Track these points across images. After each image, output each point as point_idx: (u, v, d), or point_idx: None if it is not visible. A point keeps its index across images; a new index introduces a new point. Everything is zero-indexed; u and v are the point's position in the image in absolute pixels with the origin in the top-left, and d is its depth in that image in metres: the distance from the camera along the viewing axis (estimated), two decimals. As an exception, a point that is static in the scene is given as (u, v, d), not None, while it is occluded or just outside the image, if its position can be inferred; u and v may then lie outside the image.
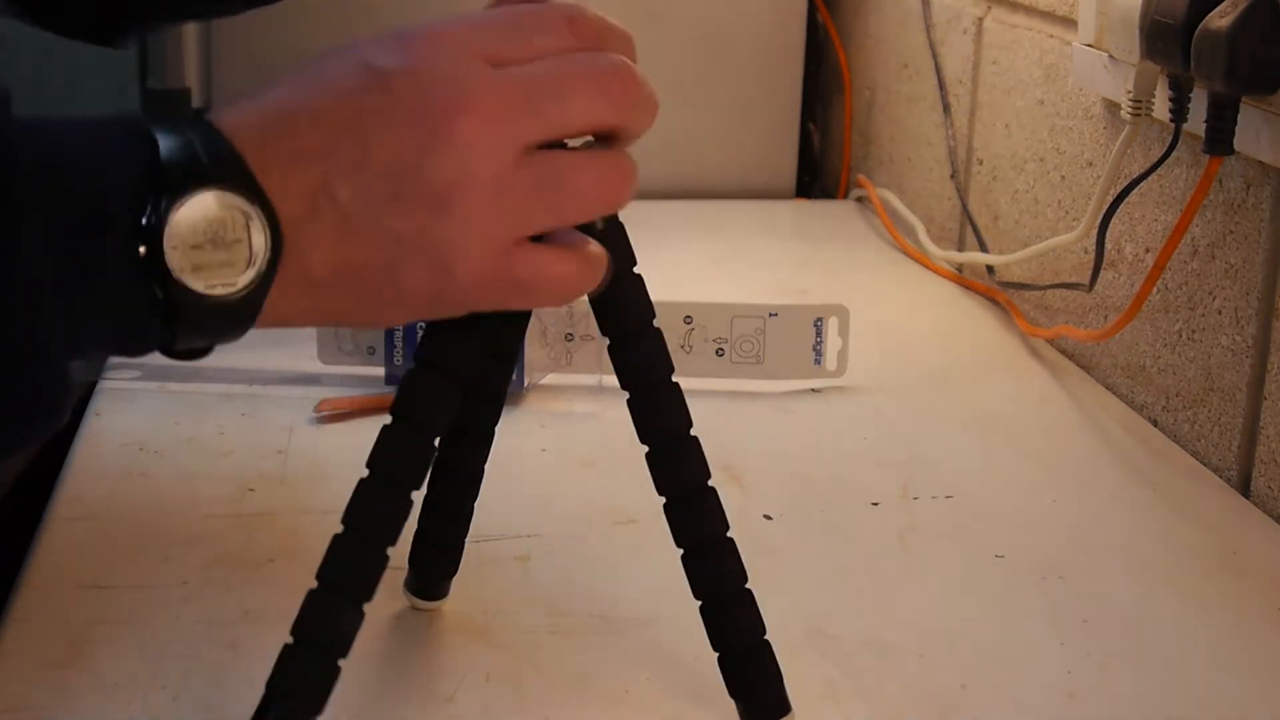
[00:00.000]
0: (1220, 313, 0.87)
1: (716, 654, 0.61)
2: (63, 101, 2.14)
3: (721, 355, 0.96)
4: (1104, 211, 0.94)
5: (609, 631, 0.68)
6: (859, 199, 1.44)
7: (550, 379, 0.95)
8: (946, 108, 1.27)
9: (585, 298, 0.59)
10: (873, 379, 0.99)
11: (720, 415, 0.93)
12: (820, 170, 1.57)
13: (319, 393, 0.92)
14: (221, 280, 0.50)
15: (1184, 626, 0.71)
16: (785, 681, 0.61)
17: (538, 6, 0.56)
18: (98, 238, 0.49)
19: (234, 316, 0.51)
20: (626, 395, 0.60)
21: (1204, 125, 0.81)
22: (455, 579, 0.69)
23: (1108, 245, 0.96)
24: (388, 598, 0.70)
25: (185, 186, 0.49)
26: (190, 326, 0.50)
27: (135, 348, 0.52)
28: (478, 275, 0.53)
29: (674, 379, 0.60)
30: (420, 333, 0.58)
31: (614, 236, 0.59)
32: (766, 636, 0.61)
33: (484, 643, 0.67)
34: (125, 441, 0.86)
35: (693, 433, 0.60)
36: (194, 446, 0.85)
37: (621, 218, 0.59)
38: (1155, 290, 0.92)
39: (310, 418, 0.90)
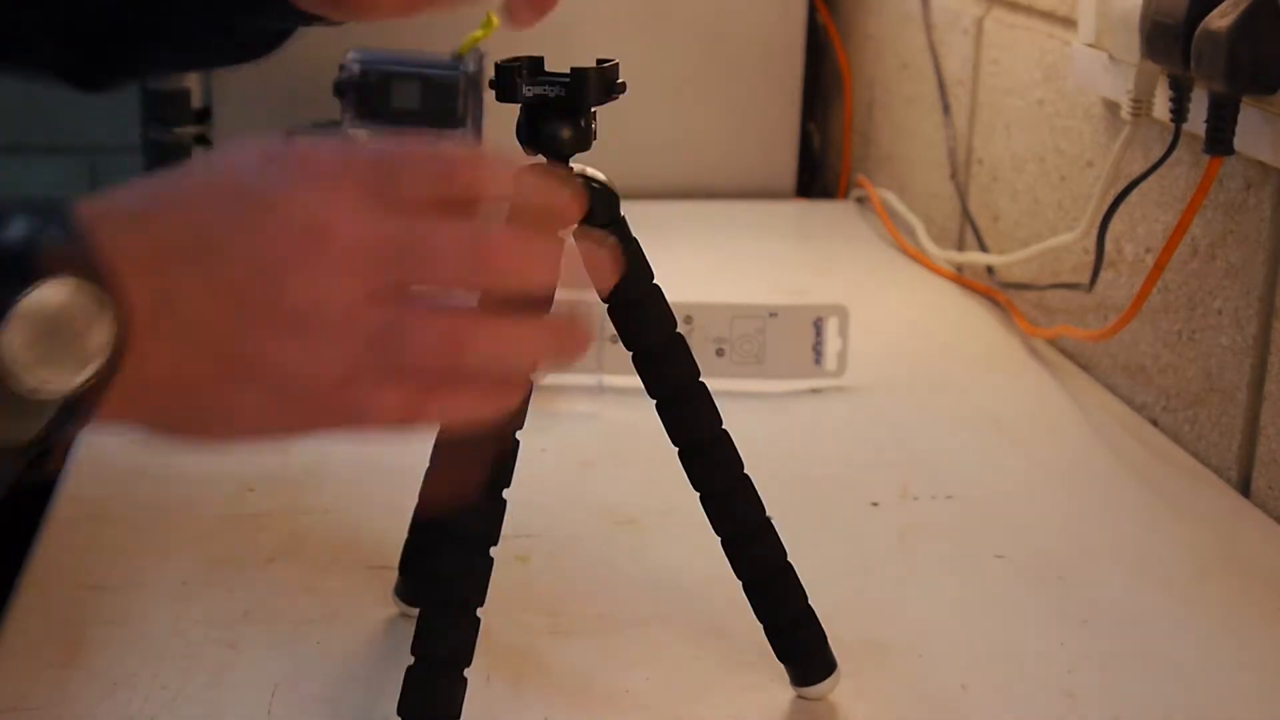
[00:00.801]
0: (1220, 313, 0.87)
1: (763, 625, 0.63)
2: (62, 103, 2.14)
3: (721, 355, 0.96)
4: (1104, 211, 0.94)
5: (609, 631, 0.68)
6: (859, 199, 1.44)
7: (550, 379, 0.95)
8: (946, 108, 1.27)
9: (600, 303, 0.60)
10: (873, 379, 0.99)
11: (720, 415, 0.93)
12: (820, 170, 1.57)
13: (319, 393, 0.92)
14: (57, 376, 0.48)
15: (1184, 626, 0.71)
16: (839, 673, 0.64)
17: (426, 144, 0.54)
18: None
19: (65, 414, 0.49)
20: (655, 402, 0.61)
21: (1204, 125, 0.81)
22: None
23: (1108, 245, 0.96)
24: (388, 598, 0.70)
25: (31, 276, 0.47)
26: (16, 421, 0.48)
27: None
28: (311, 403, 0.52)
29: (700, 381, 0.61)
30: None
31: (629, 252, 0.59)
32: (809, 603, 0.63)
33: (484, 643, 0.66)
34: (125, 441, 0.85)
35: (723, 428, 0.62)
36: (194, 446, 0.85)
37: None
38: (1155, 290, 0.92)
39: (310, 418, 0.90)
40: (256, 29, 0.75)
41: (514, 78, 0.58)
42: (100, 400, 0.49)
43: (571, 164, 0.59)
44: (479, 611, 0.57)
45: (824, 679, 0.63)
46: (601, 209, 0.60)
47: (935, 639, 0.69)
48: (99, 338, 0.48)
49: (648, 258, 0.60)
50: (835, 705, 0.63)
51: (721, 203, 1.44)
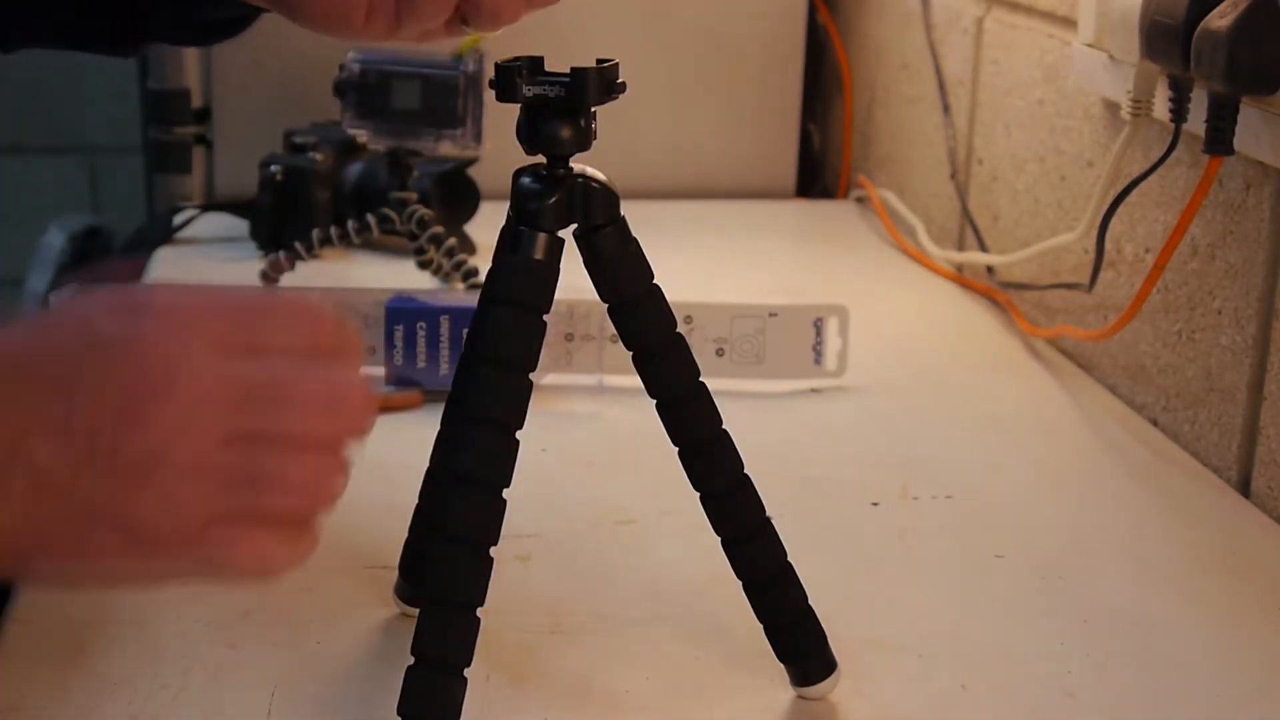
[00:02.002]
0: (1220, 313, 0.87)
1: (763, 625, 0.63)
2: (62, 103, 2.15)
3: (721, 355, 0.96)
4: (1104, 211, 0.94)
5: (609, 631, 0.68)
6: (859, 199, 1.44)
7: (550, 379, 0.95)
8: (946, 108, 1.27)
9: (596, 298, 0.60)
10: (873, 379, 0.99)
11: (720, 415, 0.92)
12: (820, 170, 1.57)
13: (319, 393, 0.92)
14: None
15: (1184, 626, 0.71)
16: (839, 672, 0.64)
17: (280, 298, 0.55)
18: None
19: None
20: (655, 402, 0.61)
21: (1204, 125, 0.81)
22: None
23: (1108, 245, 0.96)
24: (388, 598, 0.70)
25: None
26: None
27: None
28: (168, 549, 0.52)
29: (700, 381, 0.61)
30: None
31: (630, 256, 0.59)
32: (809, 603, 0.63)
33: (484, 643, 0.66)
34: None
35: (723, 428, 0.61)
36: (194, 446, 0.85)
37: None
38: (1155, 290, 0.92)
39: (310, 418, 0.90)
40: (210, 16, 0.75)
41: (514, 78, 0.58)
42: None
43: (571, 164, 0.59)
44: (479, 612, 0.57)
45: (824, 679, 0.63)
46: (601, 209, 0.60)
47: (935, 639, 0.69)
48: None
49: (648, 258, 0.60)
50: (835, 705, 0.63)
51: (721, 203, 1.44)
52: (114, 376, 0.51)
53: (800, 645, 0.63)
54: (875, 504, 0.82)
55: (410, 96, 1.15)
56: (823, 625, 0.63)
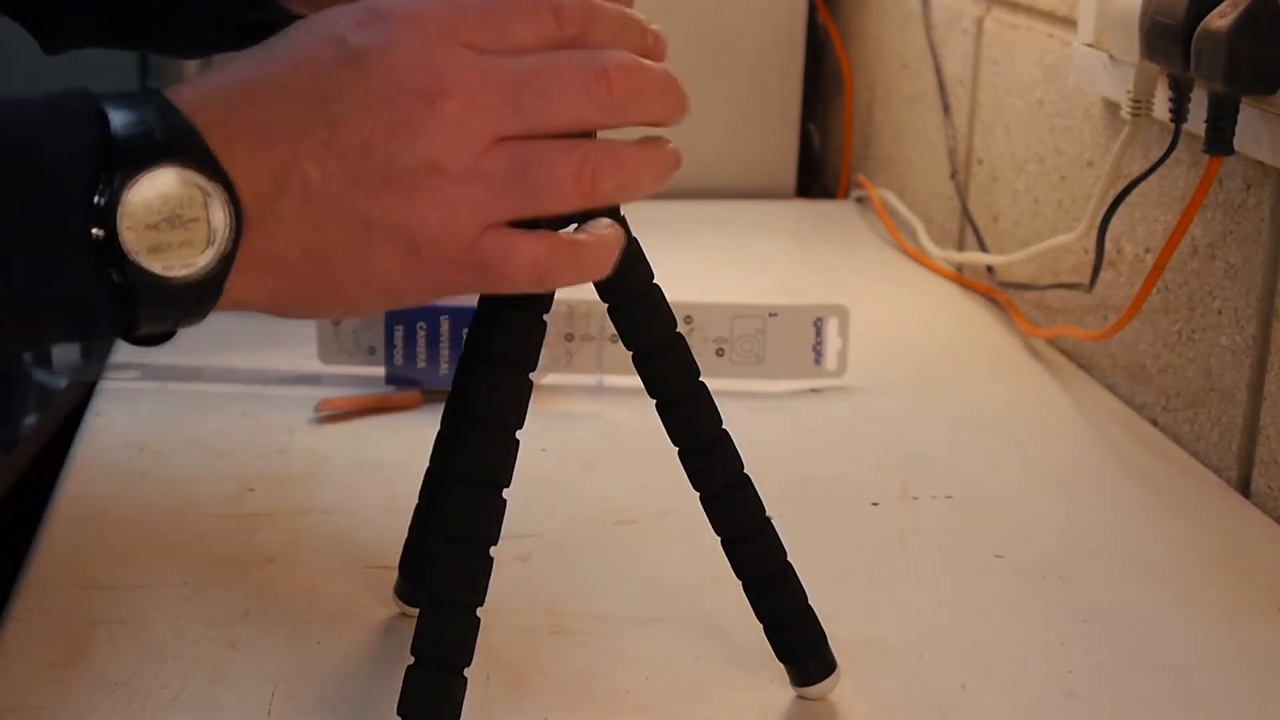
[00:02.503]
0: (1220, 313, 0.87)
1: (763, 625, 0.63)
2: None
3: (721, 355, 0.96)
4: (1104, 211, 0.94)
5: (609, 631, 0.68)
6: (859, 199, 1.44)
7: (550, 379, 0.95)
8: (946, 108, 1.27)
9: (596, 297, 0.60)
10: (873, 379, 0.99)
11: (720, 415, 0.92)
12: (820, 170, 1.57)
13: (319, 393, 0.92)
14: (180, 261, 0.48)
15: (1184, 626, 0.71)
16: (839, 673, 0.64)
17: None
18: (47, 221, 0.47)
19: (194, 297, 0.49)
20: (655, 402, 0.61)
21: (1204, 125, 0.81)
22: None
23: (1108, 245, 0.96)
24: (388, 598, 0.70)
25: (139, 164, 0.47)
26: (149, 309, 0.49)
27: (93, 332, 0.50)
28: (447, 260, 0.51)
29: (701, 381, 0.61)
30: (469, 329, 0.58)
31: (630, 255, 0.59)
32: (809, 603, 0.63)
33: (484, 643, 0.66)
34: (125, 441, 0.86)
35: (723, 428, 0.61)
36: (194, 446, 0.85)
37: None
38: (1155, 290, 0.92)
39: (310, 418, 0.90)
40: (240, 20, 0.75)
41: None
42: (224, 282, 0.49)
43: None
44: (479, 611, 0.57)
45: (824, 679, 0.63)
46: (602, 208, 0.60)
47: (935, 639, 0.69)
48: (216, 219, 0.48)
49: (648, 258, 0.60)
50: (835, 705, 0.63)
51: (721, 203, 1.44)
52: (378, 88, 0.50)
53: (800, 645, 0.63)
54: (875, 504, 0.82)
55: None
56: (822, 625, 0.63)
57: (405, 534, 0.68)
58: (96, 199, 0.47)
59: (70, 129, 0.48)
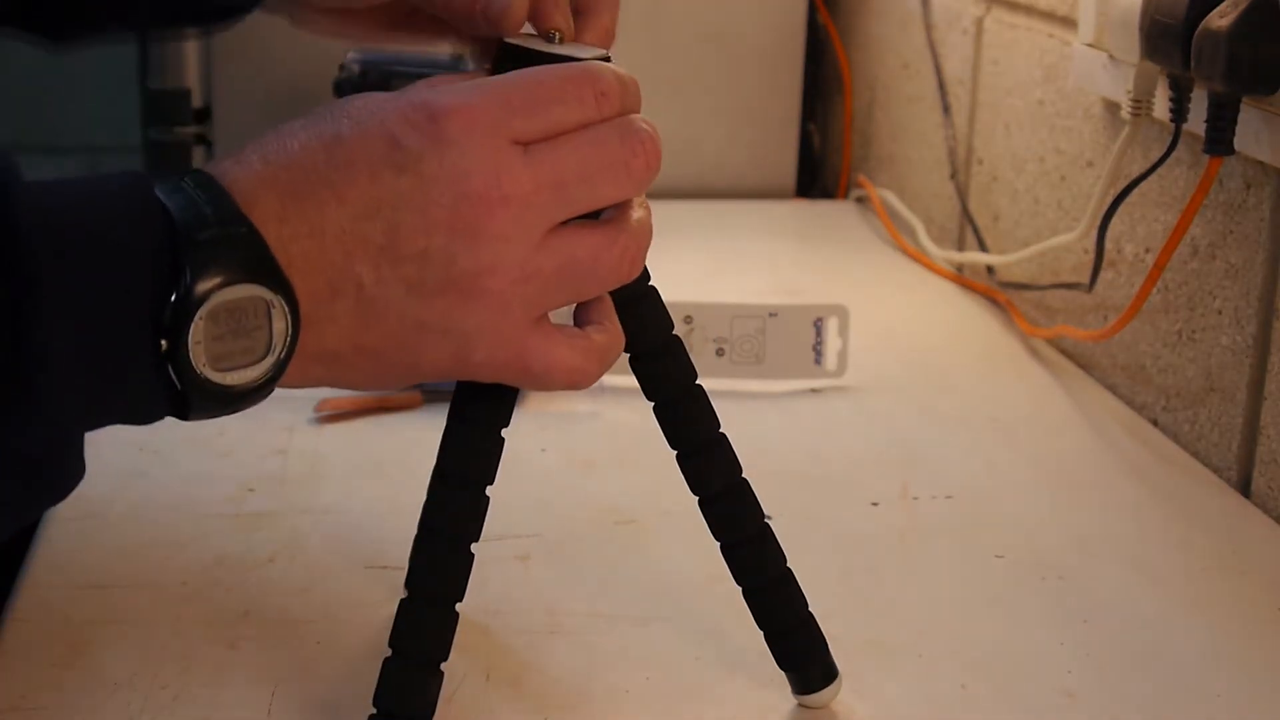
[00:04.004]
0: (1220, 313, 0.87)
1: (763, 632, 0.62)
2: (62, 103, 2.15)
3: (721, 355, 0.96)
4: (1104, 211, 0.94)
5: (609, 631, 0.68)
6: (859, 199, 1.44)
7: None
8: (946, 108, 1.27)
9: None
10: (873, 379, 0.99)
11: (720, 415, 0.92)
12: (820, 170, 1.57)
13: (319, 393, 0.92)
14: (241, 366, 0.49)
15: (1184, 626, 0.71)
16: (841, 680, 0.63)
17: (559, 73, 0.54)
18: (114, 330, 0.47)
19: (248, 398, 0.50)
20: (652, 405, 0.61)
21: (1204, 125, 0.81)
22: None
23: (1108, 245, 0.96)
24: (388, 598, 0.70)
25: (209, 277, 0.47)
26: (202, 409, 0.50)
27: (146, 421, 0.51)
28: (495, 358, 0.53)
29: (698, 383, 0.61)
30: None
31: None
32: (810, 609, 0.63)
33: (484, 643, 0.67)
34: (125, 441, 0.86)
35: (721, 431, 0.61)
36: (194, 446, 0.85)
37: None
38: (1155, 290, 0.92)
39: (310, 418, 0.90)
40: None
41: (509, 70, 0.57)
42: (277, 381, 0.50)
43: None
44: (458, 607, 0.57)
45: (825, 687, 0.63)
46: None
47: (935, 639, 0.69)
48: (278, 327, 0.49)
49: (648, 258, 0.60)
50: (835, 705, 0.63)
51: (721, 203, 1.44)
52: (436, 195, 0.50)
53: (801, 652, 0.63)
54: (875, 504, 0.82)
55: (410, 96, 1.15)
56: (822, 626, 0.63)
57: (405, 534, 0.68)
58: (166, 313, 0.47)
59: (132, 226, 0.48)
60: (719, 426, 0.61)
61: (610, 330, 0.57)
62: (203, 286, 0.48)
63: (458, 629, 0.57)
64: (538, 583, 0.72)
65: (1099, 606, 0.72)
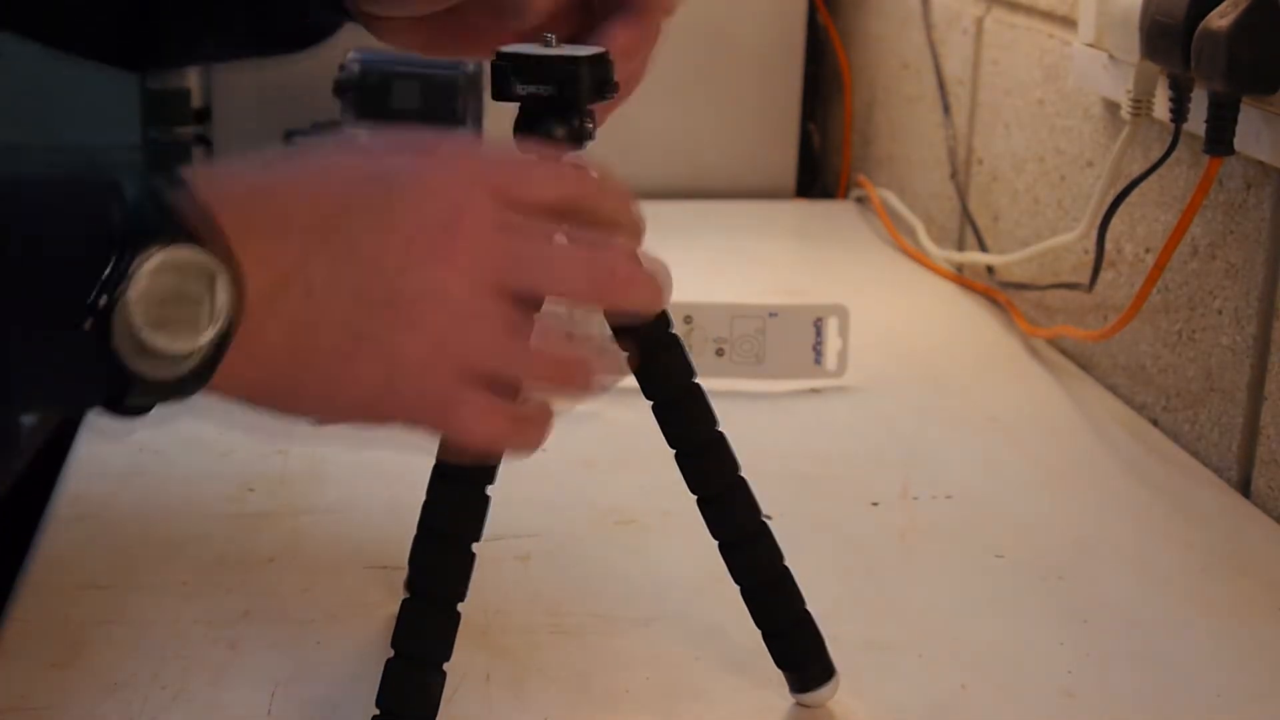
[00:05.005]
0: (1220, 313, 0.87)
1: (761, 631, 0.62)
2: (62, 103, 2.15)
3: (721, 355, 0.96)
4: (1104, 211, 0.94)
5: (609, 631, 0.68)
6: (859, 199, 1.44)
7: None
8: (946, 108, 1.27)
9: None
10: (873, 379, 0.99)
11: (720, 415, 0.92)
12: (820, 170, 1.57)
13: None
14: (181, 337, 0.48)
15: (1184, 626, 0.71)
16: (839, 678, 0.63)
17: (556, 161, 0.55)
18: (51, 288, 0.47)
19: (188, 376, 0.50)
20: (651, 404, 0.60)
21: (1204, 125, 0.81)
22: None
23: (1108, 245, 0.96)
24: (388, 598, 0.70)
25: (150, 239, 0.48)
26: (143, 382, 0.49)
27: (82, 399, 0.50)
28: (421, 394, 0.53)
29: (696, 381, 0.61)
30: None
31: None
32: (807, 608, 0.62)
33: (484, 643, 0.67)
34: (125, 442, 0.86)
35: (719, 429, 0.61)
36: (194, 446, 0.85)
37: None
38: (1155, 290, 0.92)
39: (310, 418, 0.90)
40: (299, 21, 0.74)
41: (508, 76, 0.58)
42: (218, 363, 0.50)
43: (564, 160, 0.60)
44: (460, 607, 0.57)
45: (823, 685, 0.63)
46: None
47: (935, 639, 0.69)
48: (220, 300, 0.49)
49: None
50: (834, 704, 0.63)
51: (721, 203, 1.44)
52: (399, 210, 0.51)
53: (798, 651, 0.63)
54: (875, 504, 0.82)
55: (410, 96, 1.15)
56: (821, 626, 0.63)
57: (405, 534, 0.68)
58: (106, 271, 0.47)
59: (84, 202, 0.48)
60: (717, 425, 0.61)
61: (541, 406, 0.56)
62: (145, 247, 0.48)
63: (458, 629, 0.57)
64: (538, 583, 0.72)
65: (1099, 606, 0.72)
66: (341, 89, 1.16)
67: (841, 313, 0.97)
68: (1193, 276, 0.90)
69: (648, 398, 0.61)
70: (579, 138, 0.58)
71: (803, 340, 0.97)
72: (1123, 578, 0.75)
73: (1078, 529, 0.80)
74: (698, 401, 0.61)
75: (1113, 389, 0.99)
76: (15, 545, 0.75)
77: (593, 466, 0.85)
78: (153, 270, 0.48)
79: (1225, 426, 0.87)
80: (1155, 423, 0.94)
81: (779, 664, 0.63)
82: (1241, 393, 0.85)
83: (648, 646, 0.67)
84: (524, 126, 0.58)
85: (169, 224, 0.48)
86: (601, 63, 0.58)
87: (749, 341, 0.96)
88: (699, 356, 0.95)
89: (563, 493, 0.82)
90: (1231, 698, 0.65)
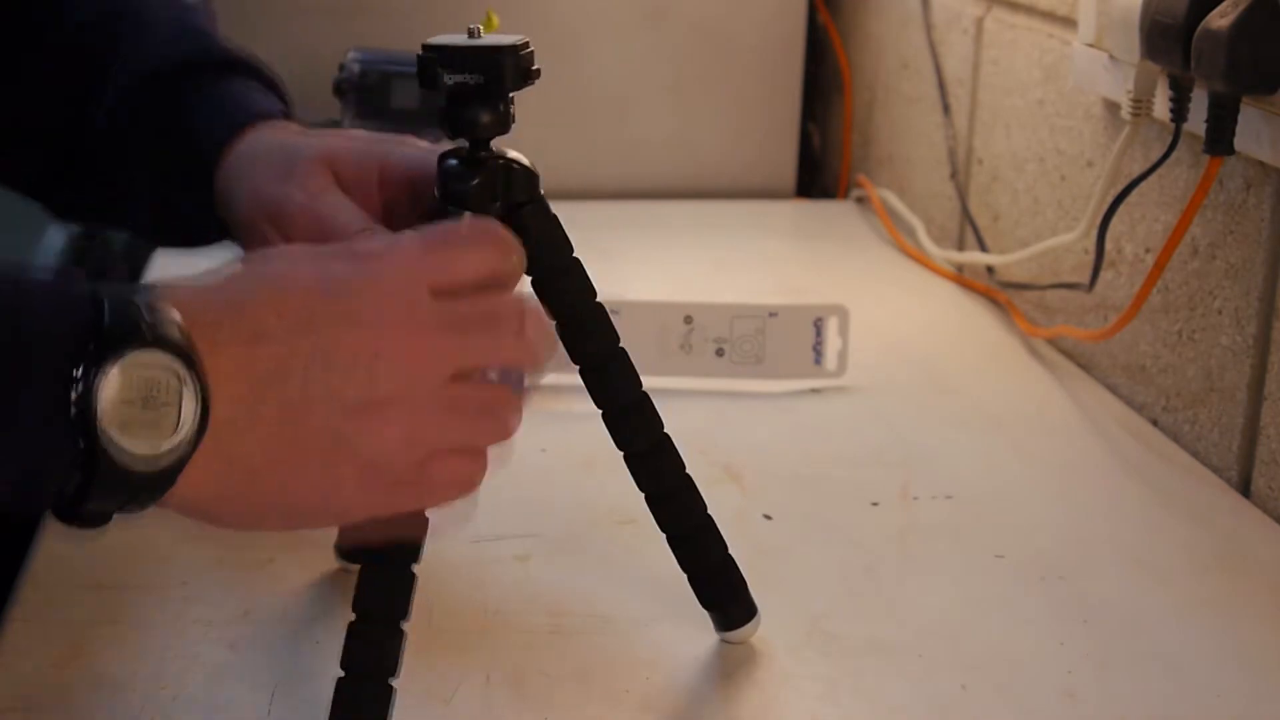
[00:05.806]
0: (1220, 313, 0.87)
1: (686, 575, 0.66)
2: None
3: (721, 355, 0.96)
4: (1104, 211, 0.94)
5: (609, 631, 0.68)
6: (859, 199, 1.44)
7: (550, 379, 0.95)
8: (946, 108, 1.27)
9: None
10: (873, 379, 0.99)
11: (720, 415, 0.93)
12: (820, 170, 1.57)
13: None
14: (146, 440, 0.49)
15: (1184, 626, 0.71)
16: (760, 617, 0.67)
17: (467, 231, 0.59)
18: (24, 380, 0.48)
19: (148, 481, 0.50)
20: (578, 369, 0.64)
21: (1204, 125, 0.81)
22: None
23: (1108, 245, 0.96)
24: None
25: (124, 344, 0.49)
26: (104, 483, 0.49)
27: (37, 495, 0.50)
28: (398, 480, 0.55)
29: (620, 347, 0.64)
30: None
31: (549, 228, 0.62)
32: (730, 553, 0.66)
33: (484, 643, 0.67)
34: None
35: (644, 391, 0.64)
36: (194, 446, 0.85)
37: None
38: (1155, 290, 0.92)
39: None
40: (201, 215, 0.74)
41: (435, 67, 0.60)
42: (179, 472, 0.51)
43: (493, 146, 0.61)
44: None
45: (745, 624, 0.66)
46: (522, 188, 0.62)
47: (935, 639, 0.69)
48: (188, 408, 0.50)
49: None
50: (834, 704, 0.63)
51: (721, 203, 1.44)
52: (364, 313, 0.54)
53: (722, 592, 0.67)
54: (875, 504, 0.82)
55: (410, 96, 1.15)
56: (822, 626, 0.63)
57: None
58: (77, 370, 0.48)
59: (62, 307, 0.49)
60: (641, 387, 0.64)
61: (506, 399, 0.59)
62: (118, 351, 0.49)
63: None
64: (538, 583, 0.72)
65: (1099, 606, 0.72)
66: (341, 89, 1.15)
67: (841, 313, 0.97)
68: (1193, 276, 0.90)
69: (574, 363, 0.64)
70: (503, 124, 0.60)
71: (803, 340, 0.97)
72: (1123, 578, 0.75)
73: (1078, 529, 0.80)
74: (622, 364, 0.64)
75: (1113, 389, 0.99)
76: (15, 545, 0.75)
77: (593, 466, 0.85)
78: (122, 372, 0.49)
79: (1225, 426, 0.87)
80: (1155, 423, 0.94)
81: (704, 604, 0.66)
82: (1241, 393, 0.85)
83: (648, 646, 0.67)
84: (449, 114, 0.60)
85: (142, 331, 0.49)
86: (524, 51, 0.60)
87: (749, 341, 0.96)
88: (699, 356, 0.95)
89: (563, 493, 0.82)
90: (1231, 698, 0.65)
